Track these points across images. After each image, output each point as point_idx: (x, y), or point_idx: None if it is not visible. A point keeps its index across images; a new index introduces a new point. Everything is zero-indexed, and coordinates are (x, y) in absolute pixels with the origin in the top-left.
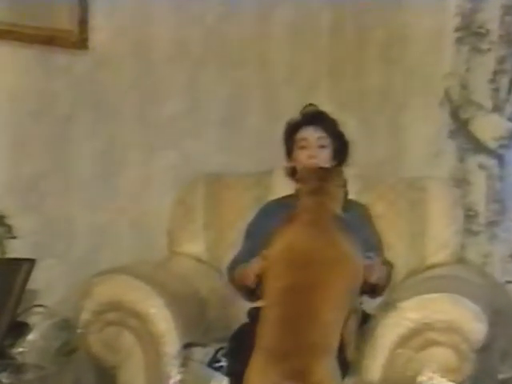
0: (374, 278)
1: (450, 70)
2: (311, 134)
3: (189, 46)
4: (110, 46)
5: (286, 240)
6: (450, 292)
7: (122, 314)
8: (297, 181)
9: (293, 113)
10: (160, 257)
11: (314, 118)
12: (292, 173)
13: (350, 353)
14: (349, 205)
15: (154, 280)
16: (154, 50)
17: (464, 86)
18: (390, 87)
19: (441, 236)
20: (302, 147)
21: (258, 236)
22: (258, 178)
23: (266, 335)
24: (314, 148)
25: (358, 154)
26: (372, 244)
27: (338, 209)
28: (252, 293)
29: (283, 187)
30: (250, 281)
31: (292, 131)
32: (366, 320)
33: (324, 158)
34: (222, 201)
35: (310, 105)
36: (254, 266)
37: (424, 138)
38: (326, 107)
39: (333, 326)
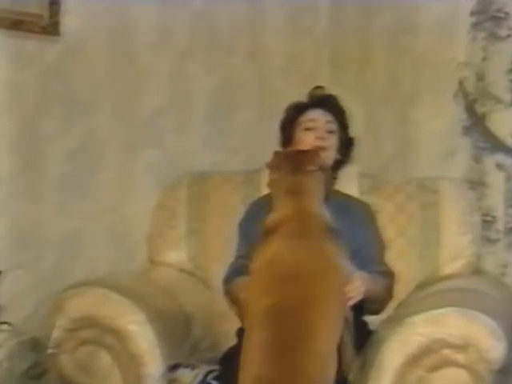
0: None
1: (465, 59)
2: (320, 116)
3: (173, 32)
4: (84, 31)
5: (268, 252)
6: (464, 306)
7: (97, 332)
8: (269, 168)
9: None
10: (140, 267)
11: (324, 101)
12: None
13: (352, 374)
14: (348, 203)
15: (134, 293)
16: (133, 36)
17: (480, 77)
18: (398, 78)
19: (455, 244)
20: (309, 128)
21: (253, 235)
22: (246, 177)
23: (252, 362)
24: (323, 130)
25: (363, 151)
26: (371, 250)
27: (319, 206)
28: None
29: None
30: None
31: (296, 114)
32: (368, 336)
33: (331, 143)
34: (207, 203)
35: (319, 87)
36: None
37: (435, 135)
38: None
39: (329, 352)
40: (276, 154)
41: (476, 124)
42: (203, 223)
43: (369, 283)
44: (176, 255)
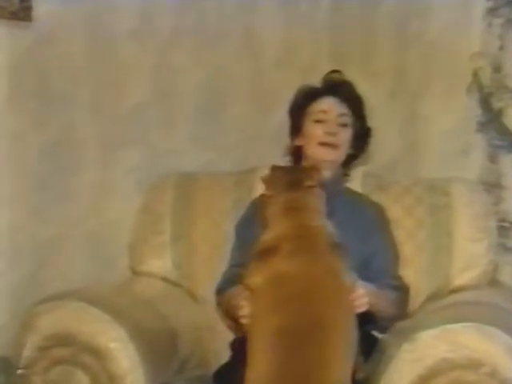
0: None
1: (480, 49)
2: (332, 107)
3: (157, 18)
4: (58, 17)
5: (272, 270)
6: (479, 322)
7: (73, 350)
8: (264, 183)
9: (285, 101)
10: (121, 277)
11: (339, 88)
12: (296, 154)
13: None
14: (360, 204)
15: (114, 307)
16: (113, 23)
17: (497, 69)
18: (406, 70)
19: (468, 252)
20: (319, 121)
21: (251, 240)
22: (237, 178)
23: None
24: (334, 124)
25: (369, 149)
26: (383, 261)
27: (322, 220)
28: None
29: None
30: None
31: (306, 100)
32: (373, 344)
33: (344, 138)
34: (195, 206)
35: (335, 71)
36: (237, 302)
37: (447, 132)
38: None
39: (345, 381)
40: (273, 168)
41: (492, 120)
42: (190, 228)
43: (373, 296)
44: (160, 263)
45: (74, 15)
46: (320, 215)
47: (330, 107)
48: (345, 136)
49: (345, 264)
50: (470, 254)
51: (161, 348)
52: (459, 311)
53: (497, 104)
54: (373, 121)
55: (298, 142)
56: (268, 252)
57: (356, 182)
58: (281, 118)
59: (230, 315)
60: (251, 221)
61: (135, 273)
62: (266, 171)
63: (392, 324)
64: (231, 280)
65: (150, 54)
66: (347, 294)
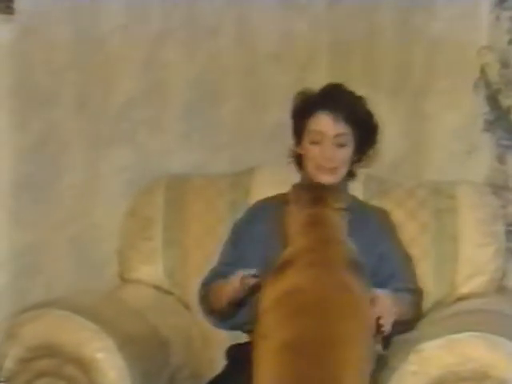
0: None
1: (487, 43)
2: (328, 128)
3: (146, 11)
4: (42, 10)
5: (284, 283)
6: (486, 331)
7: (57, 362)
8: (288, 201)
9: (281, 99)
10: (109, 285)
11: (335, 101)
12: (298, 161)
13: None
14: (365, 211)
15: (101, 316)
16: (99, 16)
17: (505, 64)
18: (409, 65)
19: (475, 258)
20: (315, 142)
21: (247, 242)
22: (233, 180)
23: None
24: (330, 146)
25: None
26: (393, 264)
27: (343, 236)
28: (226, 317)
29: (267, 192)
30: (228, 295)
31: (304, 112)
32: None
33: (342, 159)
34: (188, 210)
35: (334, 85)
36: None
37: (453, 131)
38: None
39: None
40: (295, 186)
41: (500, 118)
42: (183, 234)
43: (396, 303)
44: (151, 270)
45: (59, 8)
46: (341, 232)
47: (325, 127)
48: (343, 156)
49: (362, 281)
50: (476, 260)
51: (151, 358)
52: (465, 320)
53: (505, 101)
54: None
55: (299, 151)
56: (285, 265)
57: (358, 186)
58: (277, 115)
59: (218, 302)
60: (250, 223)
61: (124, 280)
62: (263, 172)
63: (410, 327)
64: (221, 277)
65: (138, 49)
66: (362, 309)
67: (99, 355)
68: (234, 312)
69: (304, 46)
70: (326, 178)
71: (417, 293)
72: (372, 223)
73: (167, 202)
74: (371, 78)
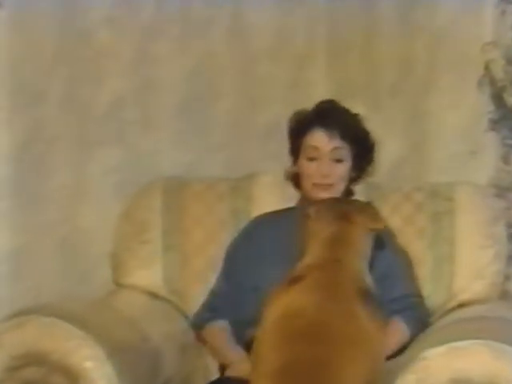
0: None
1: (492, 39)
2: (324, 143)
3: (136, 2)
4: (28, 2)
5: (285, 302)
6: (489, 338)
7: (44, 370)
8: (306, 218)
9: (278, 96)
10: (98, 291)
11: (331, 118)
12: (294, 179)
13: None
14: None
15: (90, 323)
16: (88, 9)
17: (510, 60)
18: (411, 62)
19: (475, 262)
20: (311, 158)
21: (242, 269)
22: (234, 185)
23: None
24: (327, 162)
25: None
26: (396, 273)
27: (361, 262)
28: None
29: (270, 198)
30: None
31: (299, 130)
32: None
33: (339, 175)
34: (187, 215)
35: (326, 102)
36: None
37: (456, 131)
38: (323, 88)
39: None
40: (316, 204)
41: (505, 117)
42: (183, 238)
43: (406, 334)
44: (148, 275)
45: (45, 0)
46: (360, 256)
47: (321, 142)
48: (340, 172)
49: (370, 309)
50: (475, 265)
51: (141, 367)
52: (467, 327)
53: (510, 99)
54: (373, 118)
55: (295, 170)
56: (293, 281)
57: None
58: (274, 114)
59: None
60: (245, 247)
61: (118, 285)
62: (264, 178)
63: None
64: (213, 311)
65: (128, 43)
66: (367, 337)
67: (88, 364)
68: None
69: (301, 42)
70: (323, 195)
71: (422, 305)
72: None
73: (165, 206)
74: (371, 74)
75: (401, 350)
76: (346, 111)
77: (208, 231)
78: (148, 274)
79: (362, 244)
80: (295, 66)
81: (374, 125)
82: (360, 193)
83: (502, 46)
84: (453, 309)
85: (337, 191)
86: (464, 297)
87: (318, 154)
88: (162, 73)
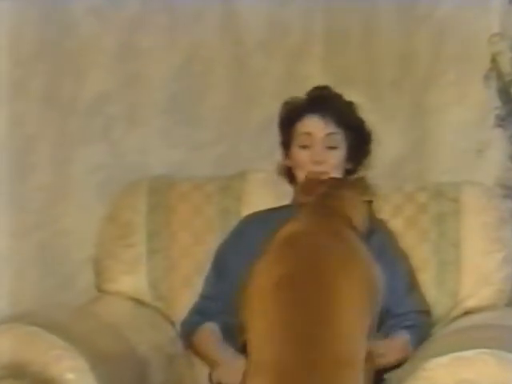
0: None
1: (499, 30)
2: (318, 129)
3: None
4: None
5: (282, 230)
6: (496, 348)
7: (24, 383)
8: (298, 194)
9: (271, 91)
10: (80, 298)
11: (325, 103)
12: (288, 174)
13: None
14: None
15: (72, 332)
16: None
17: None
18: (412, 55)
19: (481, 267)
20: (305, 146)
21: (233, 271)
22: (223, 184)
23: (262, 344)
24: (321, 149)
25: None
26: (400, 283)
27: (359, 223)
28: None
29: (261, 198)
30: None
31: (291, 118)
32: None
33: (334, 163)
34: (173, 216)
35: (319, 88)
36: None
37: (460, 127)
38: (320, 82)
39: (357, 330)
40: (306, 180)
41: None
42: (169, 241)
43: (409, 349)
44: (132, 281)
45: None
46: (359, 215)
47: (314, 128)
48: (334, 159)
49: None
50: (482, 270)
51: (127, 379)
52: (472, 336)
53: None
54: (373, 114)
55: (288, 163)
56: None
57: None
58: (266, 110)
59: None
60: (236, 249)
61: (101, 291)
62: (255, 176)
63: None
64: (202, 315)
65: (113, 35)
66: (365, 269)
67: (70, 376)
68: None
69: (297, 34)
70: None
71: (427, 315)
72: (371, 240)
73: (150, 207)
74: (370, 69)
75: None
76: (340, 97)
77: (195, 233)
78: (133, 279)
79: (355, 202)
80: (290, 60)
81: (374, 121)
82: None
83: (509, 38)
84: (458, 316)
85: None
86: (470, 304)
87: (311, 141)
88: (149, 66)
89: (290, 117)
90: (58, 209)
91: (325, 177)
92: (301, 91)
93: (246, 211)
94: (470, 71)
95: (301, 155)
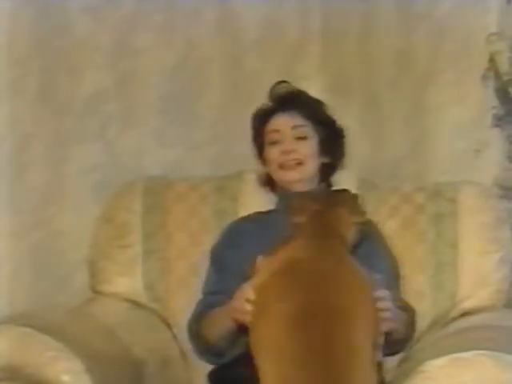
0: (384, 327)
1: (497, 29)
2: (284, 124)
3: None
4: None
5: (283, 255)
6: (495, 349)
7: None
8: (291, 214)
9: (268, 90)
10: (75, 299)
11: (288, 100)
12: (267, 182)
13: None
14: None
15: (68, 334)
16: None
17: None
18: (411, 54)
19: (479, 268)
20: (274, 142)
21: (234, 265)
22: (218, 184)
23: (278, 370)
24: (290, 140)
25: (363, 149)
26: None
27: (350, 241)
28: (225, 349)
29: (258, 199)
30: (225, 322)
31: (260, 123)
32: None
33: (305, 152)
34: (169, 217)
35: (282, 82)
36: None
37: (458, 127)
38: (317, 82)
39: (371, 358)
40: (295, 199)
41: (511, 113)
42: (164, 242)
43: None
44: (128, 282)
45: None
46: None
47: (281, 124)
48: (305, 149)
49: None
50: (479, 271)
51: (122, 381)
52: (470, 337)
53: None
54: (371, 114)
55: (265, 170)
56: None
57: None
58: None
59: (216, 334)
60: (231, 243)
61: (96, 292)
62: (252, 176)
63: (403, 347)
64: (208, 307)
65: (108, 34)
66: (367, 292)
67: (65, 377)
68: (236, 339)
69: (293, 32)
70: (291, 175)
71: (411, 311)
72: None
73: (145, 208)
74: (368, 68)
75: (398, 345)
76: (304, 93)
77: (192, 234)
78: (128, 280)
79: (349, 233)
80: (287, 59)
81: (371, 121)
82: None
83: (507, 37)
84: (456, 317)
85: (306, 169)
86: (468, 305)
87: (280, 137)
88: (145, 65)
89: (259, 123)
90: (52, 209)
91: (299, 167)
92: None
93: (243, 212)
94: (468, 71)
95: (272, 152)
